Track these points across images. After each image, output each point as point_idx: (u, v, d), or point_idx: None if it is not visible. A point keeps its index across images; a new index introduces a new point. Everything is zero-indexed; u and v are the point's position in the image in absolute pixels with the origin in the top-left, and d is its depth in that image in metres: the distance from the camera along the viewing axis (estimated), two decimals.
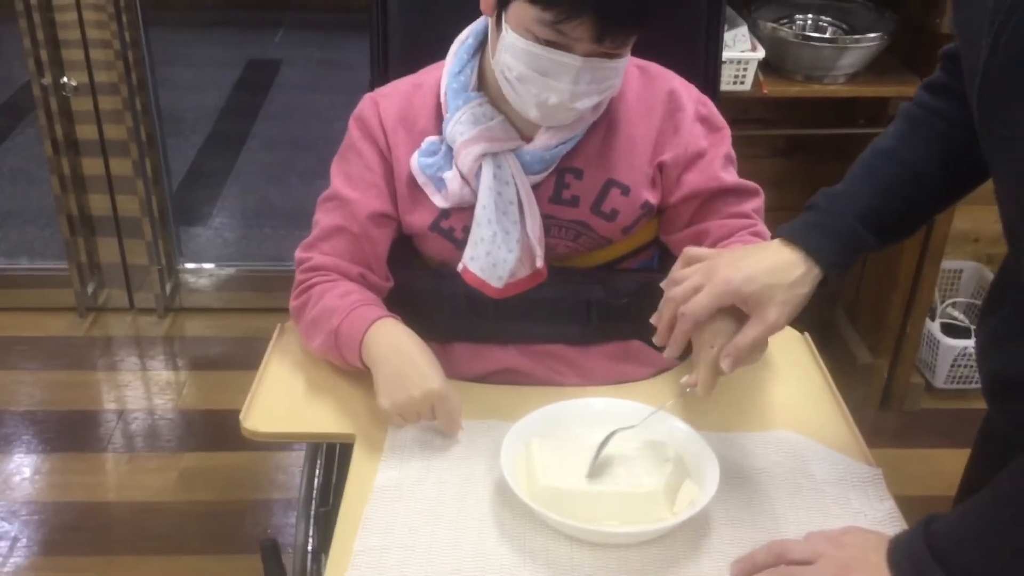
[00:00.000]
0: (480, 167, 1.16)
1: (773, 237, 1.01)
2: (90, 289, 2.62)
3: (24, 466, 2.16)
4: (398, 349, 1.13)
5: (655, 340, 1.02)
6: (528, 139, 1.18)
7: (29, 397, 2.37)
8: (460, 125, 1.17)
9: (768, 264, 0.96)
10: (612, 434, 1.04)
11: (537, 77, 1.08)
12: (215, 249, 2.98)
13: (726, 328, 0.98)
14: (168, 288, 2.66)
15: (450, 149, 1.18)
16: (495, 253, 1.17)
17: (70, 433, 2.26)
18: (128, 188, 2.51)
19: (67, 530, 2.00)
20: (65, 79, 2.37)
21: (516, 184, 1.17)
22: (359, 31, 4.42)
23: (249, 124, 3.79)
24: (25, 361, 2.49)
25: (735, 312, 0.98)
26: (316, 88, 4.13)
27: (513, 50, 1.09)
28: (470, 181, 1.17)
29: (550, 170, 1.19)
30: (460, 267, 1.19)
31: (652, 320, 1.02)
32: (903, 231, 1.03)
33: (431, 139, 1.20)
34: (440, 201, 1.19)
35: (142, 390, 2.42)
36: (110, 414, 2.32)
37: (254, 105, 3.95)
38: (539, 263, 1.20)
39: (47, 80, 2.35)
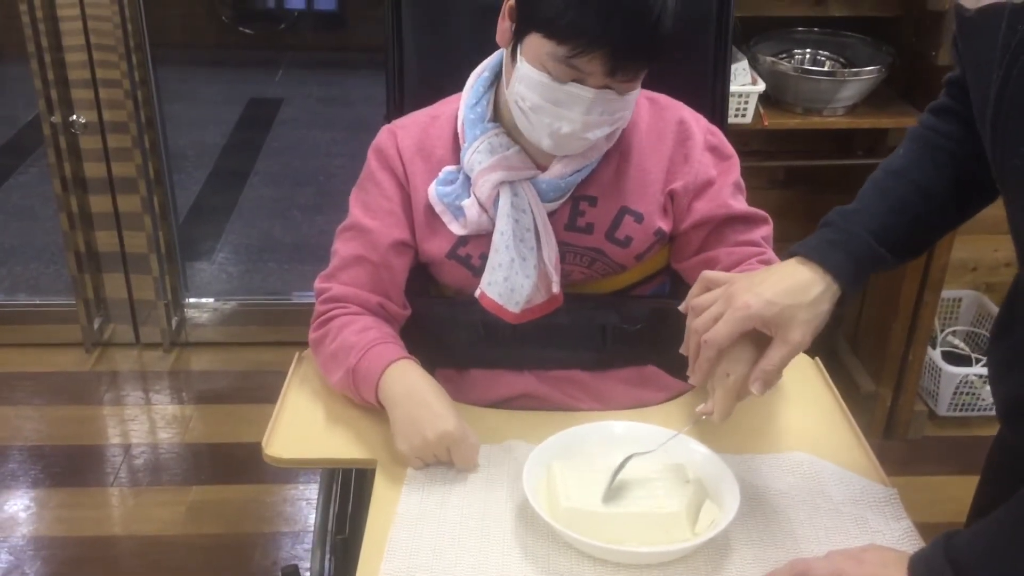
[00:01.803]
0: (498, 195, 1.19)
1: (789, 255, 1.02)
2: (96, 324, 2.64)
3: (31, 501, 2.16)
4: (412, 392, 1.15)
5: (688, 372, 1.03)
6: (543, 168, 1.21)
7: (36, 432, 2.37)
8: (478, 154, 1.19)
9: (787, 285, 0.98)
10: (628, 458, 1.05)
11: (550, 107, 1.11)
12: (219, 284, 3.00)
13: (744, 356, 1.00)
14: (174, 323, 2.67)
15: (468, 178, 1.21)
16: (513, 279, 1.19)
17: (77, 468, 2.25)
18: (135, 224, 2.54)
19: (75, 564, 1.99)
20: (75, 117, 2.40)
21: (533, 212, 1.20)
22: (358, 69, 4.52)
23: (251, 160, 3.83)
24: (31, 396, 2.49)
25: (754, 338, 0.99)
26: (316, 125, 4.17)
27: (527, 81, 1.12)
28: (488, 209, 1.20)
29: (565, 198, 1.22)
30: (478, 293, 1.21)
31: (682, 350, 1.04)
32: (915, 249, 1.05)
33: (448, 169, 1.23)
34: (458, 229, 1.22)
35: (148, 424, 2.42)
36: (116, 448, 2.32)
37: (256, 142, 3.99)
38: (555, 289, 1.22)
39: (57, 118, 2.38)
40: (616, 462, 1.07)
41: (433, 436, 1.10)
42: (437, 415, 1.11)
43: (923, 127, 1.06)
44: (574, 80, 1.09)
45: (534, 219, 1.20)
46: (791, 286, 0.98)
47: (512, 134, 1.21)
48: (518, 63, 1.13)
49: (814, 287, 0.98)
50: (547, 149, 1.17)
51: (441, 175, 1.22)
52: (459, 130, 1.23)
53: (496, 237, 1.19)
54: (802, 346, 0.97)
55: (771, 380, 0.98)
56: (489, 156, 1.19)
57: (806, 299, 0.97)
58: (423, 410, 1.12)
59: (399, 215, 1.25)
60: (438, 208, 1.22)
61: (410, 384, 1.15)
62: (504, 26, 1.16)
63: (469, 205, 1.20)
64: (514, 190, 1.19)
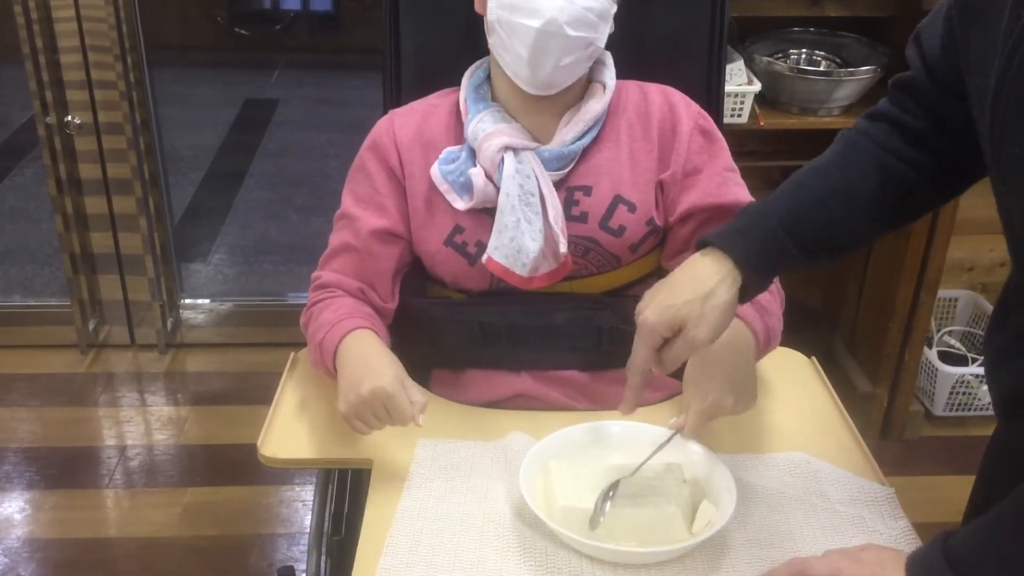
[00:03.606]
0: (503, 160, 1.20)
1: (697, 245, 1.02)
2: (91, 326, 2.63)
3: (26, 503, 2.15)
4: (360, 354, 1.15)
5: (620, 409, 1.06)
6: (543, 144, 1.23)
7: (31, 434, 2.36)
8: (482, 123, 1.22)
9: (683, 285, 0.98)
10: (615, 484, 1.03)
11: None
12: (214, 285, 2.99)
13: (725, 381, 1.04)
14: (169, 324, 2.66)
15: (472, 152, 1.22)
16: (519, 239, 1.19)
17: (72, 470, 2.25)
18: (131, 226, 2.53)
19: (70, 567, 1.99)
20: (70, 118, 2.39)
21: (537, 178, 1.20)
22: (354, 71, 4.52)
23: (247, 162, 3.82)
24: (26, 398, 2.49)
25: (731, 370, 1.05)
26: (312, 126, 4.17)
27: None
28: (493, 176, 1.21)
29: (569, 168, 1.23)
30: (484, 258, 1.21)
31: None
32: (830, 249, 1.03)
33: (450, 148, 1.24)
34: (462, 204, 1.22)
35: (144, 426, 2.41)
36: (112, 450, 2.32)
37: (252, 143, 3.98)
38: (563, 249, 1.21)
39: (52, 120, 2.38)
40: (612, 461, 1.07)
41: (367, 392, 1.08)
42: (374, 373, 1.10)
43: (854, 131, 1.05)
44: None
45: (539, 185, 1.20)
46: (688, 283, 0.98)
47: (511, 113, 1.24)
48: None
49: (710, 279, 0.97)
50: (528, 73, 1.16)
51: (443, 155, 1.24)
52: (462, 107, 1.25)
53: (502, 199, 1.19)
54: (696, 341, 0.97)
55: (666, 367, 0.99)
56: (493, 124, 1.21)
57: (701, 293, 0.97)
58: (363, 368, 1.12)
59: (385, 206, 1.26)
60: (442, 187, 1.23)
61: (362, 348, 1.16)
62: None
63: (476, 173, 1.20)
64: (518, 157, 1.20)
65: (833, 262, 1.07)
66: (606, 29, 1.19)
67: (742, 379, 1.09)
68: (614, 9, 1.19)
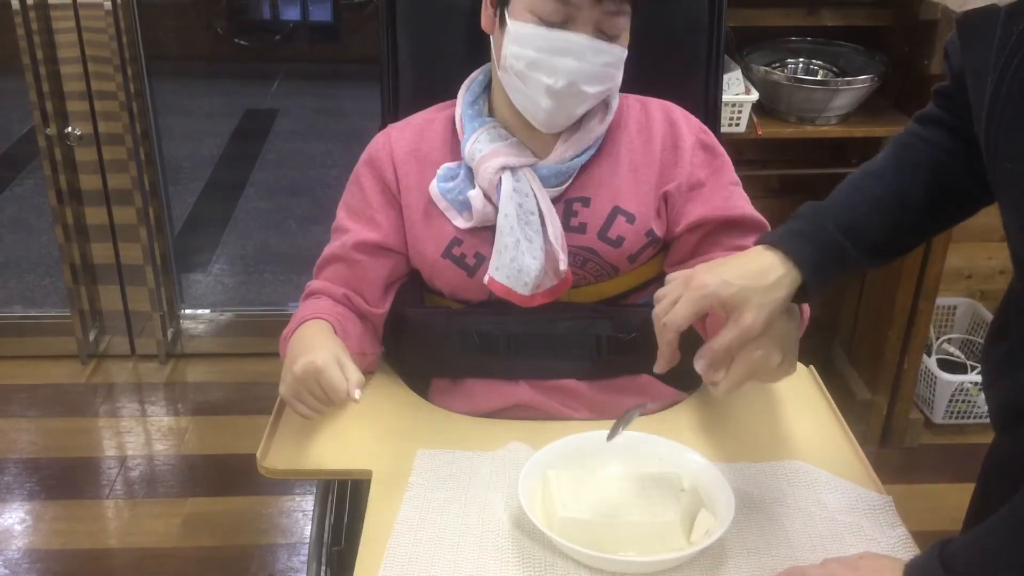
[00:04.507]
0: (500, 180, 1.20)
1: (755, 243, 1.01)
2: (92, 336, 2.63)
3: (26, 514, 2.15)
4: (304, 339, 1.16)
5: (655, 368, 1.02)
6: (542, 159, 1.23)
7: (31, 444, 2.37)
8: (478, 143, 1.22)
9: (745, 269, 0.97)
10: (642, 405, 1.08)
11: (545, 58, 1.13)
12: (215, 295, 3.00)
13: (773, 341, 0.98)
14: (169, 334, 2.67)
15: (470, 171, 1.23)
16: (519, 259, 1.20)
17: (72, 480, 2.25)
18: (131, 236, 2.54)
19: None
20: (70, 129, 2.40)
21: (535, 196, 1.21)
22: (353, 81, 4.53)
23: (247, 171, 3.84)
24: (27, 409, 2.49)
25: (783, 329, 0.98)
26: (312, 136, 4.19)
27: (519, 39, 1.14)
28: (492, 197, 1.21)
29: (567, 184, 1.23)
30: (486, 279, 1.22)
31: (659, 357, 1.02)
32: (886, 251, 1.04)
33: (448, 165, 1.25)
34: (462, 223, 1.22)
35: (144, 436, 2.42)
36: (112, 461, 2.32)
37: (252, 153, 4.00)
38: (563, 267, 1.21)
39: (52, 131, 2.39)
40: (611, 471, 1.07)
41: (299, 369, 1.08)
42: (309, 350, 1.10)
43: (907, 134, 1.06)
44: (564, 24, 1.12)
45: (537, 203, 1.21)
46: (750, 269, 0.97)
47: (509, 128, 1.24)
48: (508, 27, 1.16)
49: (773, 272, 0.97)
50: (544, 118, 1.18)
51: (441, 172, 1.24)
52: (458, 125, 1.25)
53: (501, 220, 1.20)
54: (752, 331, 0.95)
55: (716, 362, 0.96)
56: (489, 144, 1.21)
57: (763, 282, 0.96)
58: (300, 349, 1.12)
59: (376, 220, 1.27)
60: (441, 204, 1.23)
61: (306, 335, 1.17)
62: (488, 13, 1.20)
63: (475, 196, 1.21)
64: (515, 176, 1.20)
65: (890, 263, 1.06)
66: (620, 74, 1.20)
67: (791, 341, 1.03)
68: (625, 53, 1.19)
